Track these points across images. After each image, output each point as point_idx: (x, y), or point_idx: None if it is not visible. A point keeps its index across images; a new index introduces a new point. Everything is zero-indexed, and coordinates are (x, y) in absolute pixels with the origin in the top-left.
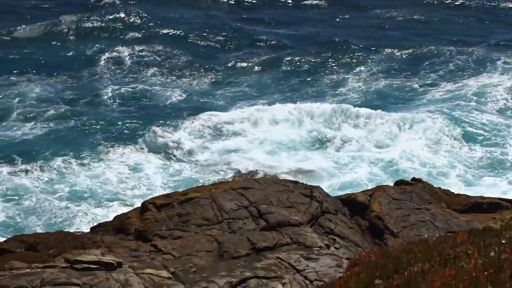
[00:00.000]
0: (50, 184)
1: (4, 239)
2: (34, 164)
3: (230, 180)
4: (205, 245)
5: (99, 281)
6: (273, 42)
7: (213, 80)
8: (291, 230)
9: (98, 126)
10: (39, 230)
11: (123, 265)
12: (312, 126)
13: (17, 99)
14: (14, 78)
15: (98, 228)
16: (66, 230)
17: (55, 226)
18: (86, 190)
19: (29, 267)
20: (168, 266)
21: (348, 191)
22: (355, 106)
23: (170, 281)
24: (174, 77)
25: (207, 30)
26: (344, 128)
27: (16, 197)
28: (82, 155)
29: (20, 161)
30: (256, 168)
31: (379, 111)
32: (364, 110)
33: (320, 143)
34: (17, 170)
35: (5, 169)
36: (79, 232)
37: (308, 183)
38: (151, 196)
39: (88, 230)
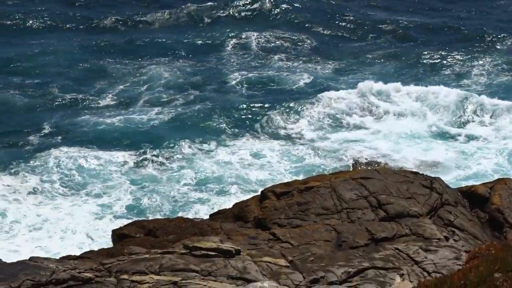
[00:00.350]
0: (173, 170)
1: (127, 222)
2: (159, 150)
3: (351, 169)
4: (324, 234)
5: (217, 268)
6: (397, 31)
7: (336, 67)
8: (410, 221)
9: (224, 112)
10: (159, 215)
11: (241, 253)
12: (437, 119)
13: (145, 86)
14: (143, 63)
15: (217, 215)
16: (185, 216)
17: (175, 210)
18: (208, 177)
19: (148, 253)
20: (286, 255)
21: (472, 182)
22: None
23: (288, 270)
24: (299, 63)
25: (331, 18)
26: (470, 121)
27: (140, 182)
28: (207, 141)
29: (145, 146)
30: (377, 159)
31: (506, 101)
32: (489, 101)
33: (445, 137)
34: (143, 155)
35: (132, 154)
36: (198, 218)
37: (433, 175)
38: (271, 183)
39: (207, 217)
